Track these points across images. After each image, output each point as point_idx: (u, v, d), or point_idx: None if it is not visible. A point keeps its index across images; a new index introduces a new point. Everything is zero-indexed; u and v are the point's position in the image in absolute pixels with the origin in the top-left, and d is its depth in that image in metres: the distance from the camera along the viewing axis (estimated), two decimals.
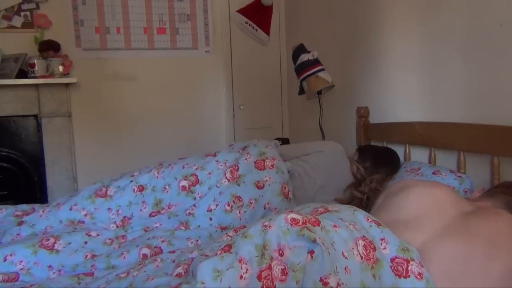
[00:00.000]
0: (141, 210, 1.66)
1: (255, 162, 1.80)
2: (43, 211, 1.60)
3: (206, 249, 1.19)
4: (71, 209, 1.61)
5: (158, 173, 1.74)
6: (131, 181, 1.71)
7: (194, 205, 1.69)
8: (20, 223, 1.56)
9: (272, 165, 1.80)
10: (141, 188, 1.69)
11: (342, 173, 1.99)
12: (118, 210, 1.64)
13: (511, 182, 1.51)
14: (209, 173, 1.75)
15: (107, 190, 1.67)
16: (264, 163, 1.80)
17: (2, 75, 2.82)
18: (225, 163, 1.79)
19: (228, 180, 1.74)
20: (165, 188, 1.71)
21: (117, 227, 1.59)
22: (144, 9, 3.27)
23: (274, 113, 3.71)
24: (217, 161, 1.79)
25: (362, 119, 2.48)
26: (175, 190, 1.71)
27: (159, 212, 1.68)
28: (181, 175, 1.74)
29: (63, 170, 3.01)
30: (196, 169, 1.76)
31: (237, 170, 1.77)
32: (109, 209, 1.63)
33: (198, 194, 1.72)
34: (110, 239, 1.50)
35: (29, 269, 1.33)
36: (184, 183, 1.73)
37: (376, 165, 1.95)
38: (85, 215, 1.61)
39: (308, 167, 1.96)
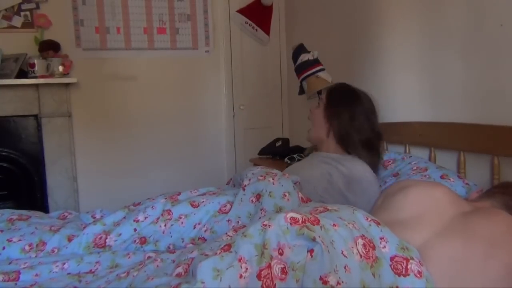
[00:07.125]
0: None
1: None
2: (35, 256, 1.41)
3: (206, 248, 1.19)
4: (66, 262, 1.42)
5: (165, 226, 1.53)
6: (135, 229, 1.52)
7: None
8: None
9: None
10: (143, 241, 1.52)
11: None
12: (117, 264, 1.45)
13: (510, 182, 1.51)
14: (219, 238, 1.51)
15: (106, 237, 1.49)
16: None
17: (2, 75, 2.82)
18: (237, 222, 1.56)
19: None
20: (169, 247, 1.52)
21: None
22: (144, 9, 3.27)
23: (274, 113, 3.71)
24: (228, 220, 1.56)
25: None
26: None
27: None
28: (189, 237, 1.54)
29: (63, 170, 3.01)
30: (205, 231, 1.55)
31: None
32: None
33: None
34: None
35: (32, 267, 1.33)
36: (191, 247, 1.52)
37: None
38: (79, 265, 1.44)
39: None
